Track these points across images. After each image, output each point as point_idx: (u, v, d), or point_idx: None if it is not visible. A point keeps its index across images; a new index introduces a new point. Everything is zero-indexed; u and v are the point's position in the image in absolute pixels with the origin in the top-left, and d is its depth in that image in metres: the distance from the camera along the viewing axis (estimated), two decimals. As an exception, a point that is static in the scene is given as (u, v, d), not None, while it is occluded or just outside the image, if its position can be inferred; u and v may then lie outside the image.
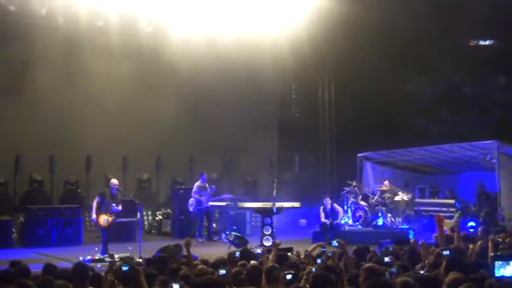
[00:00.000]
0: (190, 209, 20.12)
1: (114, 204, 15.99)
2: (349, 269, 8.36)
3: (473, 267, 6.56)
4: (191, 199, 20.09)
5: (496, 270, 4.18)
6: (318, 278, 6.48)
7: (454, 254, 8.80)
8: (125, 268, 7.31)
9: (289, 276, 7.18)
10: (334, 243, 10.00)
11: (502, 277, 4.16)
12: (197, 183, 20.24)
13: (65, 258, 15.05)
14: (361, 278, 6.72)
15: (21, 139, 21.56)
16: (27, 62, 21.71)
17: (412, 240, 12.83)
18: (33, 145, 21.50)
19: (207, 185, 20.29)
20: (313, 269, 7.52)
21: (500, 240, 10.34)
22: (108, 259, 14.43)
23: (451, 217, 19.96)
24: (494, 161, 19.44)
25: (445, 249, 8.93)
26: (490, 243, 9.60)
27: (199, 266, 8.64)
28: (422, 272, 8.25)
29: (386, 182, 21.24)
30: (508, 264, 4.17)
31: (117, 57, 22.94)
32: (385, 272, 7.33)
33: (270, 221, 17.20)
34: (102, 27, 22.32)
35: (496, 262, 4.19)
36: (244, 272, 8.23)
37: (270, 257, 9.82)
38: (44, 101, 21.91)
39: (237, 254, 10.65)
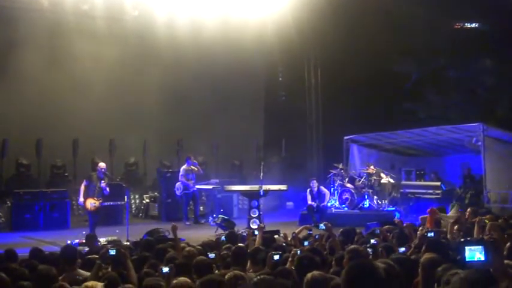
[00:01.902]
0: (177, 192, 20.09)
1: (104, 184, 16.00)
2: (337, 250, 8.44)
3: (454, 248, 6.63)
4: (178, 183, 20.08)
5: (466, 255, 4.28)
6: (302, 260, 6.53)
7: (438, 236, 8.90)
8: (112, 252, 7.38)
9: (276, 257, 7.24)
10: (322, 226, 10.06)
11: (472, 261, 4.26)
12: (183, 167, 20.20)
13: (52, 242, 15.05)
14: (344, 259, 6.80)
15: (7, 123, 21.52)
16: (12, 45, 21.60)
17: (397, 221, 12.87)
18: (19, 129, 21.47)
19: (193, 167, 20.23)
20: (298, 251, 7.58)
21: (487, 222, 10.42)
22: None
23: (436, 200, 20.12)
24: (479, 143, 19.54)
25: (430, 231, 9.02)
26: (476, 226, 9.67)
27: (187, 248, 8.70)
28: (403, 249, 8.34)
29: (372, 166, 21.33)
30: (477, 248, 4.27)
31: (103, 41, 22.91)
32: (369, 254, 7.44)
33: (257, 203, 17.25)
34: (87, 11, 22.23)
35: (466, 247, 4.28)
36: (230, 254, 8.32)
37: (256, 239, 9.91)
38: (29, 84, 21.81)
39: (223, 237, 10.72)
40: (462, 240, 4.40)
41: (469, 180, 21.62)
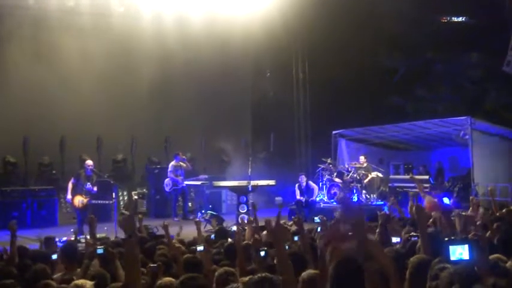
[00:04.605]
0: (167, 189, 20.05)
1: (88, 183, 15.98)
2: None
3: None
4: (167, 179, 20.03)
5: (451, 255, 4.27)
6: (292, 257, 6.49)
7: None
8: (99, 251, 7.32)
9: (262, 253, 7.21)
10: (317, 219, 10.06)
11: (458, 261, 4.26)
12: (172, 163, 20.14)
13: (40, 240, 14.95)
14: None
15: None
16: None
17: (382, 213, 12.78)
18: (6, 127, 21.29)
19: (182, 163, 20.17)
20: (287, 246, 7.54)
21: (464, 213, 10.36)
22: (83, 240, 14.44)
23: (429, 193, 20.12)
24: (467, 137, 19.58)
25: (415, 236, 8.97)
26: (457, 219, 9.63)
27: (176, 245, 8.71)
28: (398, 240, 8.31)
29: (362, 157, 21.36)
30: (462, 247, 4.26)
31: (89, 38, 22.85)
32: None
33: (245, 199, 17.28)
34: (73, 8, 22.14)
35: (450, 246, 4.27)
36: (222, 250, 8.31)
37: (246, 234, 9.89)
38: (15, 81, 21.67)
39: (212, 236, 10.70)
40: (446, 239, 4.38)
41: (440, 178, 21.94)
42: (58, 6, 21.78)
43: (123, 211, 8.85)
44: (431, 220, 9.71)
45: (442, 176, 22.07)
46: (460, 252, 4.23)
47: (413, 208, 7.40)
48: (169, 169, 20.04)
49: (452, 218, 8.12)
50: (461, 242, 4.31)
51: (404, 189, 21.49)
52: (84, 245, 10.70)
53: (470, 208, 10.36)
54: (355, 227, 3.82)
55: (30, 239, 14.96)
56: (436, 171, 22.63)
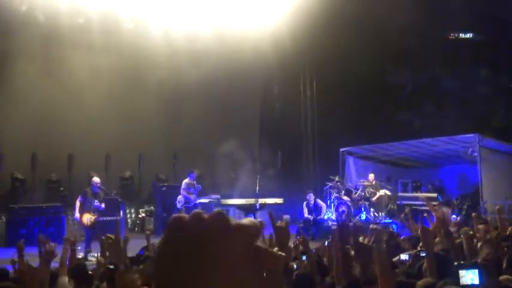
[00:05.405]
0: (178, 205, 19.99)
1: (96, 200, 15.97)
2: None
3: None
4: (179, 196, 19.99)
5: (460, 279, 4.24)
6: (300, 278, 6.45)
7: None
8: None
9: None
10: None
11: (468, 285, 4.22)
12: (185, 180, 20.07)
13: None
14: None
15: (1, 137, 21.41)
16: (7, 58, 21.56)
17: (386, 231, 12.68)
18: (15, 143, 21.36)
19: (195, 183, 20.18)
20: (295, 265, 7.50)
21: (472, 232, 10.24)
22: (91, 258, 14.42)
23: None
24: (475, 154, 19.56)
25: (423, 251, 8.91)
26: (464, 239, 9.54)
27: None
28: (406, 257, 8.26)
29: (371, 175, 21.30)
30: (473, 272, 4.23)
31: (99, 55, 22.91)
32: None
33: (253, 217, 17.21)
34: (82, 25, 22.26)
35: (460, 270, 4.24)
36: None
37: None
38: (24, 98, 21.74)
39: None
40: (456, 263, 4.34)
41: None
42: (68, 24, 21.89)
43: (109, 235, 8.30)
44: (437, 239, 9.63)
45: (443, 194, 22.01)
46: (471, 277, 4.20)
47: (419, 229, 7.35)
48: (182, 186, 19.98)
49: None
50: (471, 266, 4.28)
51: (413, 207, 21.42)
52: (92, 263, 10.68)
53: (476, 226, 10.25)
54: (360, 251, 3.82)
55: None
56: (437, 189, 22.53)
